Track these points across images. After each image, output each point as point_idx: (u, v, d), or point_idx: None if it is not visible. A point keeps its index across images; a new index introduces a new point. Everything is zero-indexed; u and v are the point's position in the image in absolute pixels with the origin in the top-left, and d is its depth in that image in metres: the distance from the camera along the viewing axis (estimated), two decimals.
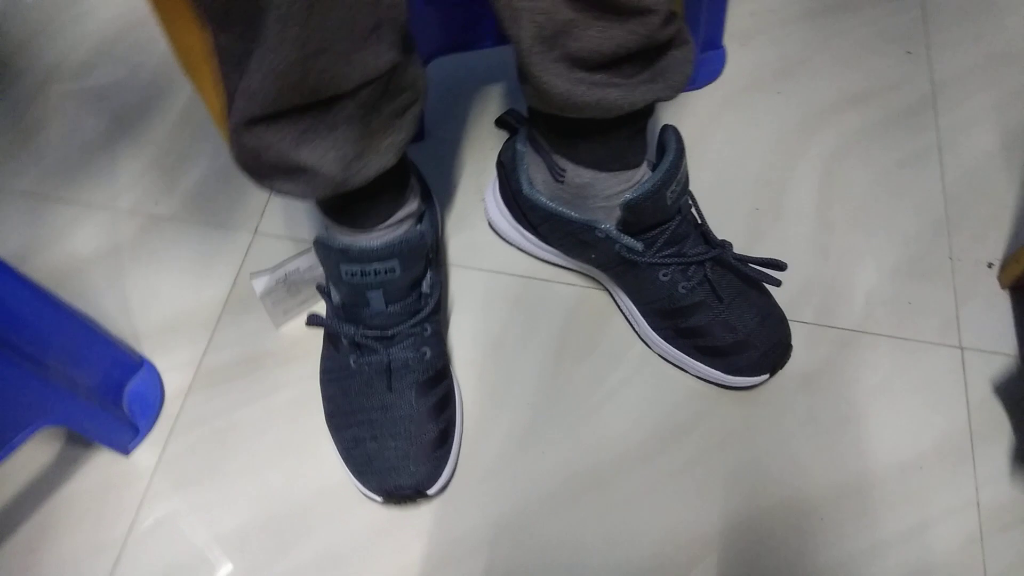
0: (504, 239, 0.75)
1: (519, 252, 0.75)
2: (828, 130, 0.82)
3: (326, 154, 0.50)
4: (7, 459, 0.56)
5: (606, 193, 0.61)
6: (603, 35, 0.49)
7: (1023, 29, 0.90)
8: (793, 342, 0.67)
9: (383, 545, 0.63)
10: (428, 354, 0.64)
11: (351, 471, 0.63)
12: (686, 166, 0.60)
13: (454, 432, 0.65)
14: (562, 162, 0.61)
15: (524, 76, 0.55)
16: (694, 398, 0.68)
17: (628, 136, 0.59)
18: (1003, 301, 0.72)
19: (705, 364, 0.66)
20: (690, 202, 0.64)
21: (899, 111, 0.84)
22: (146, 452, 0.67)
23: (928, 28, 0.90)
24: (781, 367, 0.66)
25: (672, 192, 0.59)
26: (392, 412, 0.62)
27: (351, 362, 0.63)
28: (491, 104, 0.85)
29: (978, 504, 0.63)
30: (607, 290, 0.73)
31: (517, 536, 0.63)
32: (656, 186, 0.58)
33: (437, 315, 0.66)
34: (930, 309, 0.71)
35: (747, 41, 0.89)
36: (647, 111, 0.59)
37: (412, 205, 0.63)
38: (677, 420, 0.67)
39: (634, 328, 0.71)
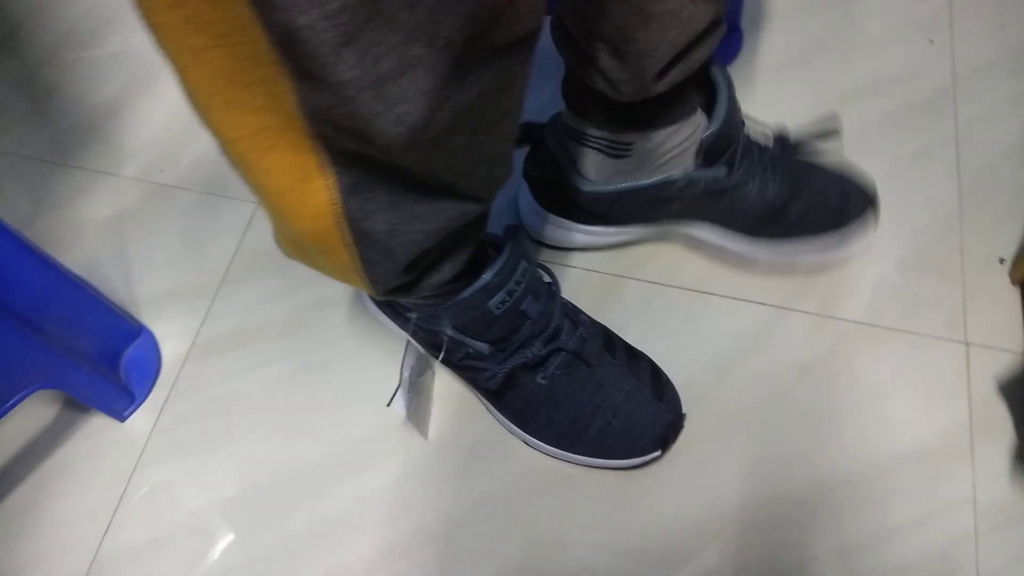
0: (559, 248, 0.74)
1: None
2: (843, 118, 0.81)
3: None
4: (2, 421, 0.57)
5: (678, 141, 0.61)
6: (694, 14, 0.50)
7: None
8: (793, 332, 0.66)
9: (371, 518, 0.63)
10: (585, 319, 0.64)
11: (619, 458, 0.62)
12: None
13: (653, 360, 0.65)
14: (627, 137, 0.60)
15: (629, 80, 0.53)
16: (687, 386, 0.67)
17: (686, 86, 0.57)
18: (1012, 297, 0.70)
19: (822, 237, 0.67)
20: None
21: (918, 101, 0.82)
22: (141, 419, 0.67)
23: (953, 17, 0.88)
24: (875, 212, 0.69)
25: (738, 111, 0.61)
26: (606, 383, 0.62)
27: (539, 381, 0.61)
28: None
29: (974, 501, 0.61)
30: (680, 238, 0.72)
31: (500, 516, 0.62)
32: (729, 113, 0.59)
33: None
34: (937, 303, 0.70)
35: (765, 24, 0.87)
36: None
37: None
38: None
39: (732, 254, 0.71)
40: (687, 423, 0.64)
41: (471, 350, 0.59)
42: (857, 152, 0.78)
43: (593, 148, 0.63)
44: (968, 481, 0.62)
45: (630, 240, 0.73)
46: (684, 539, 0.61)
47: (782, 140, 0.66)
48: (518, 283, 0.55)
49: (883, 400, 0.66)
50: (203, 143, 0.81)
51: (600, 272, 0.72)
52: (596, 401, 0.61)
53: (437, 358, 0.61)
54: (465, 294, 0.53)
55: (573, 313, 0.63)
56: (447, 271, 0.50)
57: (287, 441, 0.66)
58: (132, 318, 0.70)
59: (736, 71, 0.84)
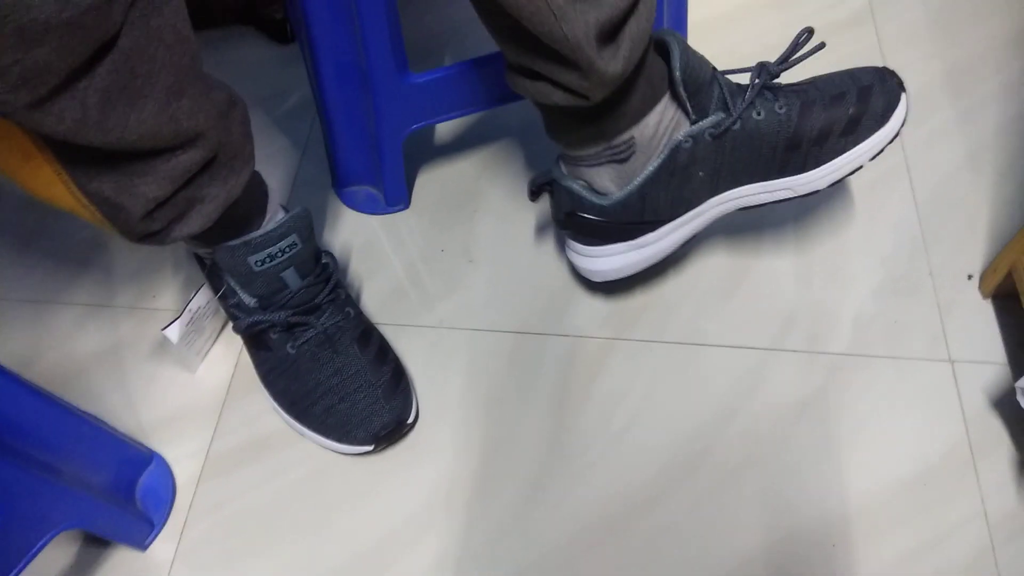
0: (623, 279, 0.73)
1: (507, 310, 0.77)
2: None
3: (212, 183, 0.57)
4: (27, 568, 0.57)
5: (665, 118, 0.62)
6: None
7: (976, 43, 0.93)
8: (785, 372, 0.69)
9: None
10: (352, 313, 0.71)
11: (335, 439, 0.69)
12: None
13: (403, 369, 0.72)
14: (625, 135, 0.62)
15: (582, 75, 0.55)
16: (697, 436, 0.69)
17: (646, 64, 0.60)
18: (987, 311, 0.73)
19: (859, 143, 0.65)
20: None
21: None
22: (163, 545, 0.67)
23: (884, 52, 0.93)
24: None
25: (698, 55, 0.62)
26: (347, 371, 0.69)
27: (288, 350, 0.69)
28: (471, 170, 0.88)
29: (985, 514, 0.63)
30: (721, 208, 0.69)
31: None
32: (684, 47, 0.60)
33: (344, 282, 0.75)
34: (916, 326, 0.73)
35: None
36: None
37: (276, 199, 0.68)
38: (682, 459, 0.68)
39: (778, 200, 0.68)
40: (693, 473, 0.65)
41: (240, 300, 0.67)
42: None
43: (601, 164, 0.64)
44: (976, 495, 0.64)
45: (682, 238, 0.70)
46: None
47: (763, 65, 0.65)
48: (282, 251, 0.63)
49: (882, 427, 0.68)
50: (191, 265, 0.83)
51: (592, 337, 0.75)
52: (331, 383, 0.69)
53: (216, 295, 0.69)
54: (233, 243, 0.62)
55: (344, 304, 0.71)
56: (196, 222, 0.58)
57: (311, 547, 0.66)
58: (142, 445, 0.71)
59: None
